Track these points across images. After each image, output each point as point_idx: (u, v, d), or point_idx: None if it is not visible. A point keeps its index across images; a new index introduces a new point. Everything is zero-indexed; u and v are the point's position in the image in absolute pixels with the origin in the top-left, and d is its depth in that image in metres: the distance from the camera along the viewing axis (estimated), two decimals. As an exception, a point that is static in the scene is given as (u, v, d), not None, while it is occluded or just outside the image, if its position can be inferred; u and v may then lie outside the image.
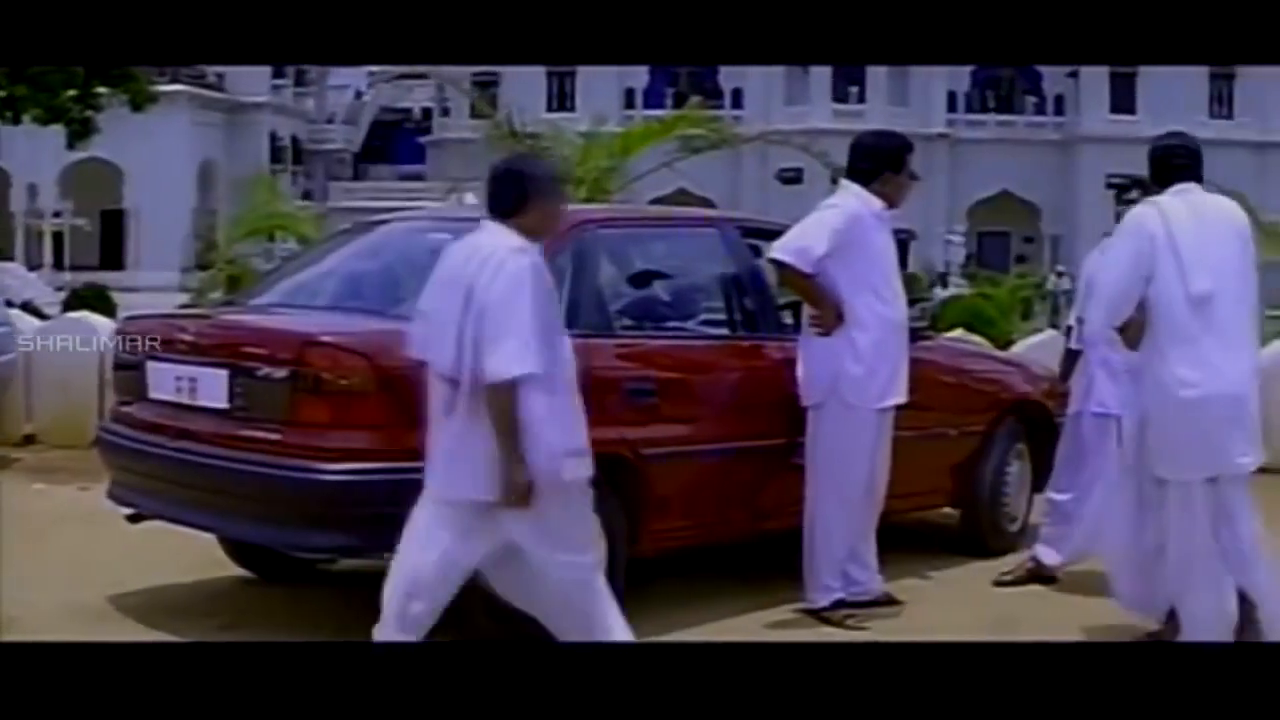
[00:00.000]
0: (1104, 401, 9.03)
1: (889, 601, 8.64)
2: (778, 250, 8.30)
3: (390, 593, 6.43)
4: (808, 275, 8.26)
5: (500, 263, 6.24)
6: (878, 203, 8.46)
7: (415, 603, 6.38)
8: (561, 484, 6.32)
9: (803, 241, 8.30)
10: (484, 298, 6.19)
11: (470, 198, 25.69)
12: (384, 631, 6.42)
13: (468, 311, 6.22)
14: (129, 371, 8.21)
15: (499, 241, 6.36)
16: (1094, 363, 9.14)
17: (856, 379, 8.25)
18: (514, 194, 6.49)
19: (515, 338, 6.12)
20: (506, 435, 6.17)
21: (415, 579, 6.39)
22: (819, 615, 8.32)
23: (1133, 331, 7.42)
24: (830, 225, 8.32)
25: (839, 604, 8.35)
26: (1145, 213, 7.44)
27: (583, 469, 6.46)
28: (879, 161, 8.56)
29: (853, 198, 8.47)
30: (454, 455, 6.37)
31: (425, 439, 6.53)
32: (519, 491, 6.20)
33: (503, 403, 6.16)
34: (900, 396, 8.41)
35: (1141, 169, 7.82)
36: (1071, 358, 9.49)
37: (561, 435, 6.33)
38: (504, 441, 6.17)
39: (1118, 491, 7.90)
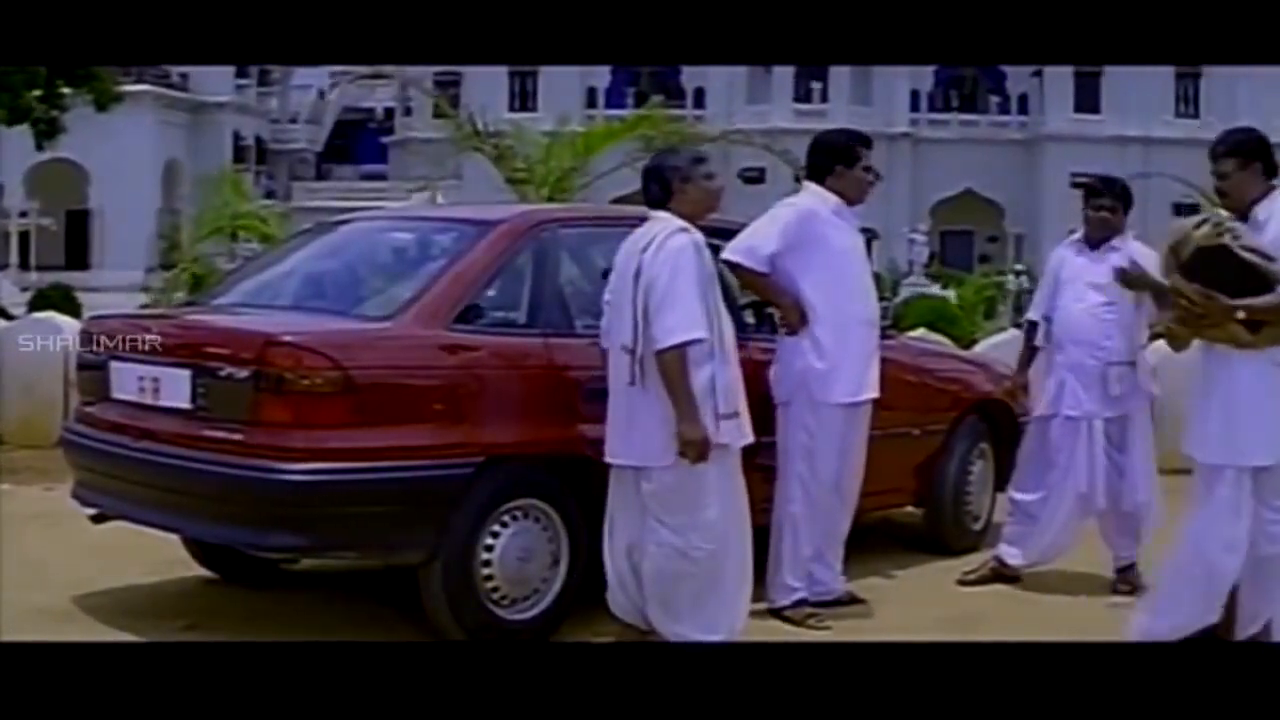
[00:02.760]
0: (1076, 405, 9.04)
1: (852, 601, 8.66)
2: (728, 250, 8.28)
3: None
4: (761, 274, 8.29)
5: (662, 241, 7.20)
6: (835, 200, 8.48)
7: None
8: (712, 450, 7.09)
9: (752, 240, 8.32)
10: (650, 272, 7.12)
11: (438, 197, 25.69)
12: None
13: (637, 286, 7.13)
14: (93, 372, 8.18)
15: (661, 225, 7.33)
16: (1063, 366, 9.14)
17: (821, 375, 8.26)
18: (658, 186, 7.51)
19: (680, 307, 7.04)
20: (680, 395, 7.00)
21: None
22: (780, 614, 8.32)
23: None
24: (781, 222, 8.35)
25: (801, 603, 8.35)
26: None
27: (738, 434, 7.33)
28: (830, 157, 8.57)
29: (809, 196, 8.49)
30: (628, 423, 7.21)
31: (387, 439, 7.02)
32: (696, 445, 7.00)
33: (673, 367, 7.01)
34: (870, 393, 8.42)
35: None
36: (1031, 353, 9.52)
37: (721, 401, 7.15)
38: (678, 401, 7.00)
39: (1223, 500, 7.17)
